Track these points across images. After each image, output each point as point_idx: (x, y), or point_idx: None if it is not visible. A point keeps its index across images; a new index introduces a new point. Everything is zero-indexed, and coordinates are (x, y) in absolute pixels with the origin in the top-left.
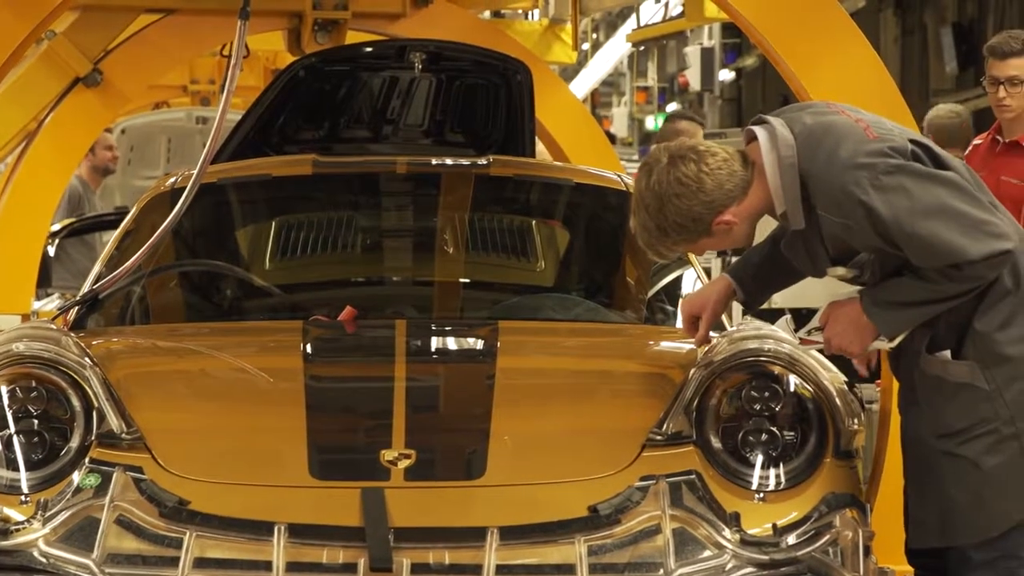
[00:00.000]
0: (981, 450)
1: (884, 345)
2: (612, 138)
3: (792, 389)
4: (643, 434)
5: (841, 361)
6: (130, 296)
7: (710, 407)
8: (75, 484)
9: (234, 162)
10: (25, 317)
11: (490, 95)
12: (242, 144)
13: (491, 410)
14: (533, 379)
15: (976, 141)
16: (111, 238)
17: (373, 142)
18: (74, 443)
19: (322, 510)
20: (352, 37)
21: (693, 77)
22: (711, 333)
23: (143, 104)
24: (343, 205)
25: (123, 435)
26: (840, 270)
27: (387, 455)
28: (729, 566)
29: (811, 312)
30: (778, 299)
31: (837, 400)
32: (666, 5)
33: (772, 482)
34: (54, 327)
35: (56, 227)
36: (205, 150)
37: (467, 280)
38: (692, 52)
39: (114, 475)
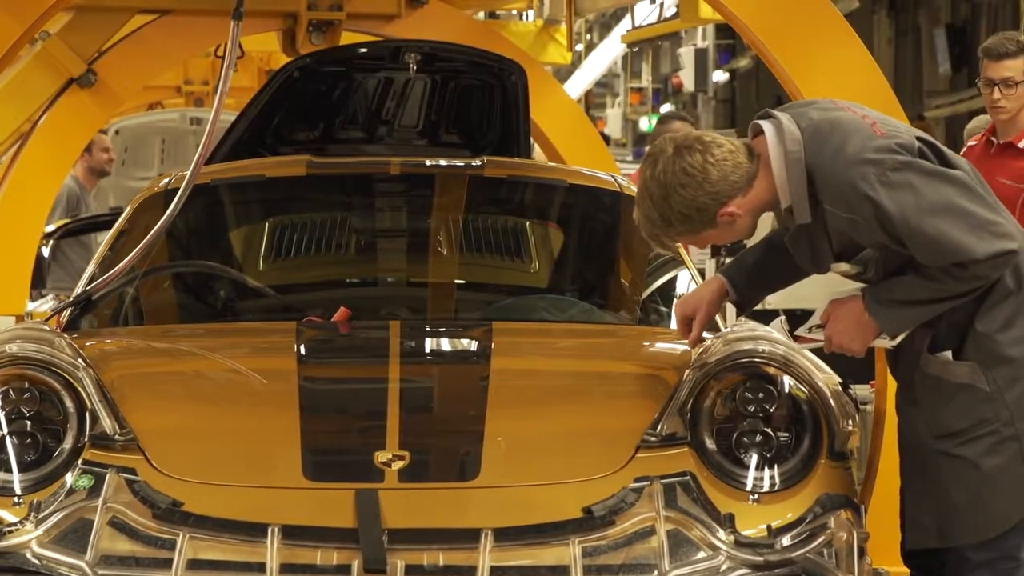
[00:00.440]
0: (981, 451)
1: (885, 343)
2: (606, 139)
3: (786, 390)
4: (637, 435)
5: (837, 362)
6: (123, 297)
7: (704, 408)
8: (68, 485)
9: (228, 163)
10: (19, 318)
11: (485, 96)
12: (236, 145)
13: (485, 411)
14: (527, 380)
15: (971, 143)
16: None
17: (368, 143)
18: (67, 444)
19: (316, 511)
20: (347, 38)
21: (687, 78)
22: (705, 334)
23: (137, 105)
24: (337, 206)
25: (116, 436)
26: (844, 266)
27: (381, 456)
28: (723, 567)
29: (805, 313)
30: (772, 300)
31: (831, 401)
32: (661, 6)
33: (766, 483)
34: (47, 328)
35: (50, 228)
36: (199, 151)
37: (461, 281)
38: (686, 53)
39: (107, 476)
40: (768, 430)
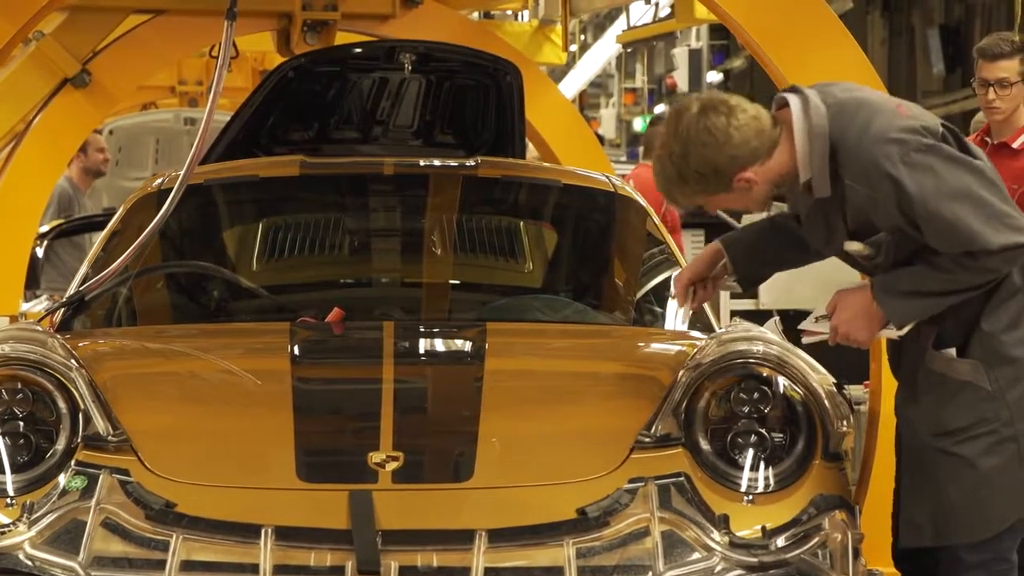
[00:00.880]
0: (979, 450)
1: (892, 334)
2: (600, 139)
3: (781, 391)
4: (632, 436)
5: (831, 362)
6: (117, 298)
7: (699, 409)
8: (61, 487)
9: (221, 163)
10: (13, 319)
11: (480, 96)
12: (231, 145)
13: (479, 412)
14: (521, 381)
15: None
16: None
17: (362, 143)
18: (60, 445)
19: (309, 512)
20: (342, 38)
21: (681, 78)
22: (700, 334)
23: (131, 105)
24: (331, 206)
25: (109, 437)
26: (857, 245)
27: (375, 457)
28: (718, 568)
29: (799, 314)
30: (766, 300)
31: (826, 402)
32: (656, 6)
33: (761, 484)
34: (40, 329)
35: (44, 228)
36: (192, 151)
37: (455, 281)
38: (680, 53)
39: (100, 477)
40: (763, 431)
